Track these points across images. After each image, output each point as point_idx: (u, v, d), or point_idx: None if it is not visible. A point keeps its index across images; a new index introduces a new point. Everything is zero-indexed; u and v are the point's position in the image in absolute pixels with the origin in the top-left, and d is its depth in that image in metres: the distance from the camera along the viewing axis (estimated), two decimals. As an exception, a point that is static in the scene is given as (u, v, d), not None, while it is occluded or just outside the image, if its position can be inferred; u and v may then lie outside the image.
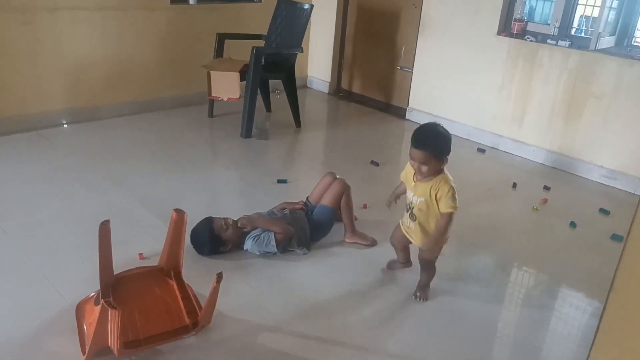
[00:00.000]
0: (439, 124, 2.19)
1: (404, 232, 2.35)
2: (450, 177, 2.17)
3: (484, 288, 2.55)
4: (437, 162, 2.12)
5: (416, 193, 2.20)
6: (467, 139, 4.52)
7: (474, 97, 4.49)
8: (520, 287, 2.67)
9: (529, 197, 3.51)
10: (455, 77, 4.57)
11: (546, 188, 3.65)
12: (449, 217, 2.14)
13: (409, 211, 2.27)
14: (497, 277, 2.69)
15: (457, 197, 2.14)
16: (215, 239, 2.56)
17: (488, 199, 3.50)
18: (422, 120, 4.81)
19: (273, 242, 2.57)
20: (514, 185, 3.68)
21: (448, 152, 2.14)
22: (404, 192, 2.32)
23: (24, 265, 2.43)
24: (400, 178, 2.35)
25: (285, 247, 2.62)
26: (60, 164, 3.50)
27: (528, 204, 3.41)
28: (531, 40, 4.09)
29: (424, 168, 2.11)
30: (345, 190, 2.77)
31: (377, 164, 3.81)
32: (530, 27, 4.22)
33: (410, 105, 4.99)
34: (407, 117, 5.00)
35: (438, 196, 2.13)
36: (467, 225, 3.10)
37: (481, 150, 4.34)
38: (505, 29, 4.27)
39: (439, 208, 2.16)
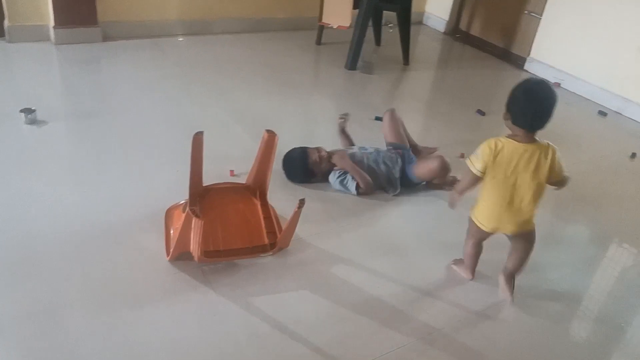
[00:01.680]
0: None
1: None
2: (499, 145, 1.81)
3: (575, 257, 2.40)
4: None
5: None
6: (588, 99, 4.17)
7: (606, 54, 4.06)
8: (615, 264, 2.46)
9: (648, 172, 3.20)
10: (589, 29, 4.13)
11: (670, 164, 3.30)
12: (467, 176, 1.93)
13: None
14: (591, 248, 2.51)
15: (475, 157, 1.87)
16: (308, 172, 2.59)
17: (600, 167, 3.22)
18: (542, 72, 4.48)
19: (354, 186, 2.55)
20: (633, 155, 3.36)
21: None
22: None
23: (125, 162, 2.60)
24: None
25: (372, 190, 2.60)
26: (169, 73, 3.65)
27: (645, 178, 3.12)
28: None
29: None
30: (444, 174, 2.60)
31: (483, 113, 3.60)
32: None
33: (531, 55, 4.61)
34: (525, 67, 4.65)
35: None
36: (572, 191, 2.88)
37: (602, 114, 3.97)
38: (658, -21, 3.75)
39: None
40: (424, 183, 2.70)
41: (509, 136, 1.82)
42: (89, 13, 3.85)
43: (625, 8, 3.88)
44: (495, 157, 1.81)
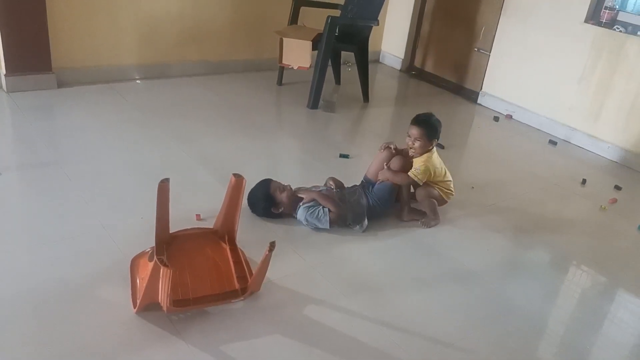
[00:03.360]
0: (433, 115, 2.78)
1: None
2: (432, 162, 2.69)
3: (538, 283, 2.46)
4: (427, 142, 2.69)
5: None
6: (539, 129, 4.35)
7: (550, 86, 4.26)
8: (576, 286, 2.54)
9: (598, 196, 3.34)
10: (534, 64, 4.34)
11: (617, 188, 3.47)
12: (407, 178, 2.69)
13: None
14: (553, 273, 2.59)
15: (424, 174, 2.67)
16: (269, 198, 2.57)
17: (554, 193, 3.34)
18: (494, 105, 4.67)
19: (326, 219, 2.55)
20: (584, 181, 3.50)
21: (436, 136, 2.73)
22: None
23: (85, 212, 2.51)
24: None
25: (340, 224, 2.59)
26: (129, 117, 3.60)
27: (596, 202, 3.25)
28: (620, 31, 3.83)
29: (417, 143, 2.69)
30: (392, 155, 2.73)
31: (442, 147, 3.68)
32: (621, 16, 3.93)
33: (483, 89, 4.79)
34: (478, 101, 4.82)
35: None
36: (529, 218, 2.98)
37: (553, 143, 4.14)
38: (593, 16, 3.99)
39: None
40: (394, 200, 2.75)
41: (425, 153, 2.71)
42: (43, 59, 3.78)
43: (563, 42, 4.10)
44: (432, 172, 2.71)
